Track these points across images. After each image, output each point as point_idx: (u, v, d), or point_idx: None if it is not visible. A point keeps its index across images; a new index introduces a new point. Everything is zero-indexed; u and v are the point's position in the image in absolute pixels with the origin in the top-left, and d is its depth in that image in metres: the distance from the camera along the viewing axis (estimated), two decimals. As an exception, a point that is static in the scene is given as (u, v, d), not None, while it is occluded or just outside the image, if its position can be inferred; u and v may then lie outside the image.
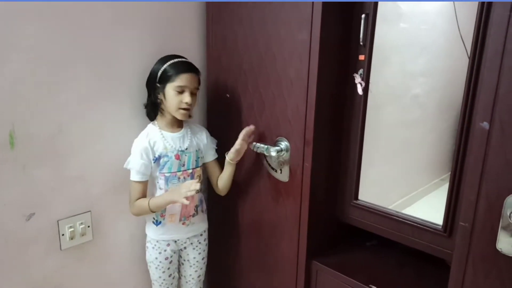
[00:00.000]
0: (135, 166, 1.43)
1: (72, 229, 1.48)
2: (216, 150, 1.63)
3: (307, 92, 1.35)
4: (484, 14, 1.03)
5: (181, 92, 1.41)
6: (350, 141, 1.44)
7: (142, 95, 1.52)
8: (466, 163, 1.12)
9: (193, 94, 1.44)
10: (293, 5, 1.33)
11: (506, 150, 0.97)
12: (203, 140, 1.57)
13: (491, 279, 1.04)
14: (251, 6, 1.47)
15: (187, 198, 1.35)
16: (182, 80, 1.40)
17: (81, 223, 1.50)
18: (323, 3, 1.26)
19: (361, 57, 1.36)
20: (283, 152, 1.46)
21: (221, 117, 1.71)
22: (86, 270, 1.56)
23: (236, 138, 1.52)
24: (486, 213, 1.02)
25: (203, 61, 1.74)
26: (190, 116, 1.50)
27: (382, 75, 1.49)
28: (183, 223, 1.54)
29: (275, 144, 1.48)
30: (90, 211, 1.52)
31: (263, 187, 1.58)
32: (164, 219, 1.52)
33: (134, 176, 1.45)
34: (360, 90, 1.37)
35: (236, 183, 1.65)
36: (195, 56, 1.70)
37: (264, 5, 1.43)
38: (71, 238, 1.48)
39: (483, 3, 1.03)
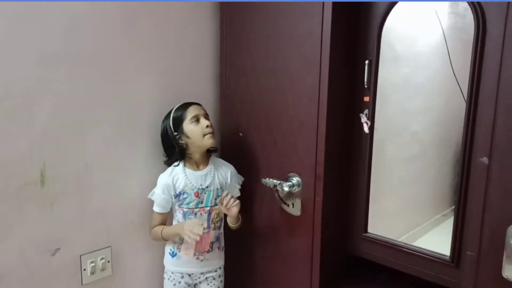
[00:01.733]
0: (157, 199, 1.57)
1: (93, 264, 1.54)
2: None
3: (317, 131, 1.45)
4: (478, 61, 1.15)
5: (197, 120, 1.53)
6: (359, 176, 1.53)
7: (159, 137, 1.62)
8: (469, 195, 1.20)
9: (207, 119, 1.55)
10: (302, 52, 1.46)
11: (505, 182, 1.05)
12: (227, 179, 1.65)
13: (499, 306, 1.09)
14: (263, 55, 1.60)
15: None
16: (192, 111, 1.53)
17: (102, 258, 1.56)
18: (330, 50, 1.38)
19: (366, 99, 1.47)
20: (295, 187, 1.54)
21: (234, 156, 1.80)
22: (105, 305, 1.60)
23: (249, 176, 1.60)
24: (491, 243, 1.09)
25: (217, 102, 1.85)
26: (212, 154, 1.65)
27: (383, 113, 1.59)
28: (197, 258, 1.60)
29: (287, 179, 1.57)
30: (110, 246, 1.59)
31: (276, 221, 1.65)
32: (180, 251, 1.59)
33: (155, 208, 1.58)
34: (366, 129, 1.47)
35: (251, 216, 1.73)
36: (209, 97, 1.82)
37: (276, 52, 1.56)
38: (92, 273, 1.54)
39: (476, 50, 1.16)
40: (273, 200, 1.65)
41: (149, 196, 1.58)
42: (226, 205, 1.52)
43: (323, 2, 1.37)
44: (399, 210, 1.68)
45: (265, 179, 1.60)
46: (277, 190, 1.60)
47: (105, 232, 1.57)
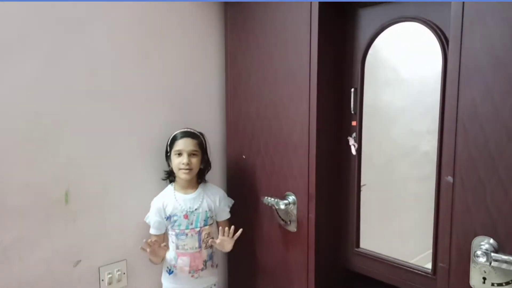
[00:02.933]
0: (152, 221, 1.71)
1: (110, 275, 1.71)
2: (232, 209, 1.85)
3: (309, 153, 1.59)
4: (442, 88, 1.28)
5: (180, 155, 1.66)
6: (349, 195, 1.66)
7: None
8: (440, 211, 1.30)
9: (192, 156, 1.66)
10: (294, 82, 1.62)
11: (467, 199, 1.16)
12: (216, 202, 1.77)
13: (468, 313, 1.18)
14: (261, 86, 1.77)
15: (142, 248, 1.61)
16: (179, 144, 1.66)
17: (118, 270, 1.74)
18: (318, 80, 1.54)
19: (354, 123, 1.61)
20: (290, 205, 1.68)
21: (239, 176, 1.96)
22: (121, 314, 1.77)
23: (251, 196, 1.75)
24: (458, 254, 1.20)
25: (224, 128, 2.03)
26: (203, 178, 1.78)
27: (390, 134, 1.69)
28: (192, 276, 1.71)
29: (283, 198, 1.71)
30: (126, 259, 1.76)
31: (275, 237, 1.79)
32: (176, 269, 1.71)
33: (151, 230, 1.72)
34: (353, 151, 1.60)
35: (253, 232, 1.87)
36: (217, 124, 2.00)
37: (272, 84, 1.72)
38: (109, 284, 1.71)
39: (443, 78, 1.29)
40: (272, 217, 1.79)
41: (145, 219, 1.73)
42: (225, 236, 1.65)
43: (310, 35, 1.54)
44: (412, 230, 1.71)
45: (264, 197, 1.75)
46: (275, 208, 1.74)
47: (122, 246, 1.75)
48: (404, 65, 1.63)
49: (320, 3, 1.50)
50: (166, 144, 1.74)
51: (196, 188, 1.75)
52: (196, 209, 1.70)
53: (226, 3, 1.93)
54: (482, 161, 1.13)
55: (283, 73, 1.67)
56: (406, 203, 1.72)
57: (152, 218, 1.70)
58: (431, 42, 1.38)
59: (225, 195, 1.84)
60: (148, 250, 1.61)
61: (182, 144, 1.66)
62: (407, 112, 1.73)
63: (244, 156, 1.91)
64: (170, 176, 1.78)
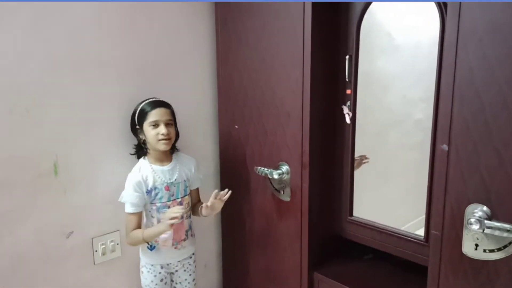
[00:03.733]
0: (130, 199, 1.56)
1: (103, 246, 1.71)
2: (226, 178, 1.82)
3: (302, 122, 1.57)
4: (439, 56, 1.24)
5: (156, 125, 1.57)
6: (343, 164, 1.65)
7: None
8: (434, 179, 1.30)
9: (168, 125, 1.59)
10: (288, 47, 1.57)
11: (461, 166, 1.15)
12: (191, 170, 1.72)
13: (459, 279, 1.20)
14: (254, 53, 1.72)
15: (172, 225, 1.50)
16: (154, 115, 1.56)
17: (111, 241, 1.73)
18: (312, 46, 1.49)
19: (348, 91, 1.58)
20: (284, 175, 1.67)
21: (232, 146, 1.94)
22: (116, 283, 1.78)
23: (245, 166, 1.72)
24: (452, 222, 1.20)
25: (215, 98, 1.99)
26: (175, 148, 1.70)
27: (384, 102, 1.66)
28: (175, 248, 1.68)
29: (277, 167, 1.70)
30: (118, 230, 1.76)
31: (268, 207, 1.79)
32: (158, 244, 1.64)
33: (129, 209, 1.56)
34: (348, 120, 1.58)
35: (246, 203, 1.87)
36: (207, 94, 1.96)
37: (264, 50, 1.67)
38: (103, 254, 1.71)
39: (440, 46, 1.25)
40: (266, 187, 1.78)
41: (119, 200, 1.58)
42: (218, 199, 1.60)
43: (304, 2, 1.48)
44: (404, 197, 1.71)
45: (257, 167, 1.73)
46: (269, 178, 1.73)
47: (114, 217, 1.73)
48: (399, 30, 1.58)
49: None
50: (132, 117, 1.64)
51: (171, 159, 1.68)
52: (175, 179, 1.65)
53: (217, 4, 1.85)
54: (477, 128, 1.11)
55: (276, 39, 1.62)
56: (398, 171, 1.72)
57: (131, 195, 1.56)
58: (428, 6, 1.33)
59: (197, 163, 1.78)
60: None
61: (158, 115, 1.57)
62: (400, 79, 1.71)
63: (236, 126, 1.88)
64: (140, 151, 1.68)
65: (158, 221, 1.61)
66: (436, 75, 1.32)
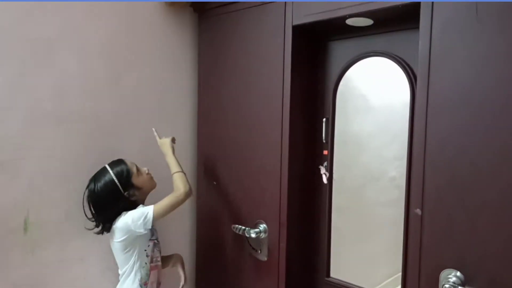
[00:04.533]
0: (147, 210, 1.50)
1: (73, 307, 1.62)
2: (202, 236, 1.77)
3: (280, 181, 1.59)
4: (410, 123, 1.31)
5: (138, 170, 1.58)
6: (320, 223, 1.66)
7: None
8: (409, 243, 1.32)
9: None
10: (268, 107, 1.62)
11: (435, 231, 1.18)
12: None
13: None
14: (234, 109, 1.77)
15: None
16: (132, 165, 1.56)
17: (82, 302, 1.64)
18: (290, 107, 1.55)
19: (325, 152, 1.63)
20: (261, 234, 1.66)
21: (209, 203, 1.92)
22: None
23: (222, 223, 1.71)
24: (427, 286, 1.21)
25: (194, 154, 2.00)
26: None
27: (359, 160, 1.71)
28: None
29: (255, 226, 1.69)
30: (90, 290, 1.67)
31: (245, 265, 1.75)
32: (146, 286, 1.58)
33: (151, 212, 1.49)
34: (325, 180, 1.61)
35: (223, 260, 1.83)
36: (186, 148, 1.97)
37: (246, 107, 1.72)
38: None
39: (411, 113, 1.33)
40: (243, 245, 1.76)
41: (143, 220, 1.49)
42: None
43: (283, 67, 1.55)
44: (382, 254, 1.72)
45: (235, 225, 1.72)
46: (246, 236, 1.71)
47: (84, 277, 1.66)
48: (373, 93, 1.67)
49: (293, 32, 1.52)
50: (106, 187, 1.51)
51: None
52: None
53: (200, 25, 1.93)
54: (450, 195, 1.16)
55: (256, 100, 1.67)
56: (376, 227, 1.74)
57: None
58: (399, 74, 1.42)
59: None
60: None
61: (131, 162, 1.58)
62: (376, 139, 1.78)
63: (215, 182, 1.88)
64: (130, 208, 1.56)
65: (151, 260, 1.59)
66: (407, 143, 1.39)
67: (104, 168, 1.54)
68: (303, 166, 1.63)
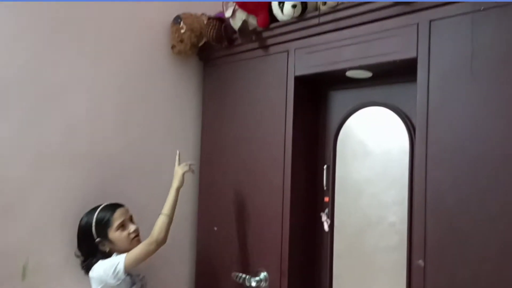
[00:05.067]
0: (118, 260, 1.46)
1: None
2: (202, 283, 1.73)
3: (282, 229, 1.59)
4: (410, 173, 1.33)
5: (123, 226, 1.51)
6: (321, 271, 1.63)
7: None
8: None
9: (132, 221, 1.56)
10: (270, 158, 1.64)
11: (438, 283, 1.17)
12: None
13: None
14: (236, 156, 1.79)
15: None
16: (118, 218, 1.51)
17: None
18: (292, 154, 1.57)
19: (326, 199, 1.64)
20: (262, 282, 1.63)
21: (209, 249, 1.90)
22: None
23: (222, 271, 1.69)
24: None
25: (195, 199, 2.00)
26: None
27: (359, 205, 1.71)
28: None
29: (255, 274, 1.66)
30: None
31: (245, 316, 1.71)
32: None
33: (122, 264, 1.45)
34: (326, 227, 1.61)
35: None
36: (187, 193, 1.97)
37: (246, 151, 1.74)
38: None
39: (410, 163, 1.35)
40: (243, 293, 1.72)
41: (113, 272, 1.44)
42: None
43: (285, 115, 1.59)
44: None
45: (235, 273, 1.69)
46: (246, 285, 1.68)
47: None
48: (371, 140, 1.69)
49: (296, 82, 1.57)
50: (86, 226, 1.51)
51: None
52: (138, 276, 1.57)
53: (205, 72, 1.99)
54: (452, 247, 1.15)
55: (258, 147, 1.70)
56: (376, 275, 1.69)
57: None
58: (398, 122, 1.46)
59: None
60: None
61: (121, 215, 1.53)
62: (374, 184, 1.78)
63: (215, 228, 1.88)
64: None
65: None
66: (407, 194, 1.40)
67: (95, 207, 1.54)
68: (304, 213, 1.64)
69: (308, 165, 1.66)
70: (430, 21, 1.22)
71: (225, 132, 1.85)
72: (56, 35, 1.55)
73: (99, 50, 1.67)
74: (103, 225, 1.50)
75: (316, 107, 1.69)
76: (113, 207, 1.54)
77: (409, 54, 1.27)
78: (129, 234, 1.52)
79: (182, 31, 1.79)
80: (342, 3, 1.40)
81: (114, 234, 1.50)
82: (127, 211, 1.57)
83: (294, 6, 1.49)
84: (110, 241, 1.50)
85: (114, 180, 1.72)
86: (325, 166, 1.64)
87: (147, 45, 1.82)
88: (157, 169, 1.86)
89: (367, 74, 1.48)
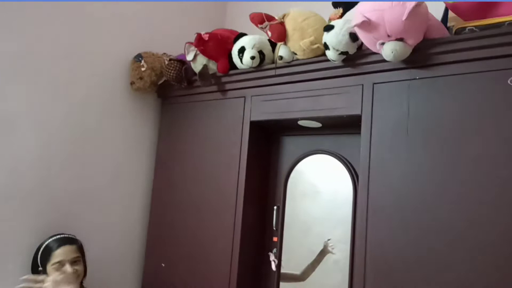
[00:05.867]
0: None
1: None
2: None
3: (230, 268, 1.62)
4: (353, 222, 1.44)
5: (61, 265, 1.46)
6: (268, 311, 1.68)
7: None
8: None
9: (75, 263, 1.49)
10: (222, 197, 1.70)
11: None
12: None
13: None
14: (187, 193, 1.82)
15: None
16: (58, 255, 1.46)
17: None
18: (244, 196, 1.64)
19: (275, 239, 1.71)
20: (209, 322, 1.64)
21: (156, 285, 1.88)
22: None
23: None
24: None
25: (144, 235, 1.99)
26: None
27: (305, 243, 1.77)
28: None
29: (203, 313, 1.67)
30: None
31: None
32: None
33: None
34: (273, 267, 1.67)
35: None
36: (135, 229, 1.96)
37: (199, 194, 1.78)
38: None
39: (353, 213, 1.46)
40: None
41: None
42: None
43: (239, 157, 1.67)
44: None
45: (182, 312, 1.69)
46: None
47: None
48: (320, 181, 1.79)
49: (251, 126, 1.66)
50: (36, 256, 1.51)
51: None
52: None
53: (162, 109, 2.03)
54: (388, 289, 1.26)
55: (211, 187, 1.74)
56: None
57: None
58: (343, 169, 1.59)
59: None
60: None
61: (63, 254, 1.48)
62: (321, 223, 1.87)
63: (163, 265, 1.87)
64: None
65: None
66: (350, 240, 1.50)
67: (53, 235, 1.54)
68: (253, 252, 1.69)
69: (259, 206, 1.73)
70: (374, 84, 1.38)
71: (179, 170, 1.88)
72: (9, 66, 1.52)
73: (55, 83, 1.65)
74: (45, 257, 1.48)
75: (269, 150, 1.79)
76: (62, 242, 1.51)
77: (354, 111, 1.41)
78: (66, 273, 1.45)
79: (143, 69, 1.83)
80: (297, 59, 1.53)
81: (50, 269, 1.46)
82: (74, 251, 1.52)
83: (252, 58, 1.60)
84: (48, 275, 1.46)
85: (58, 216, 1.66)
86: (275, 207, 1.71)
87: (105, 80, 1.83)
88: (108, 202, 1.84)
89: (317, 124, 1.61)
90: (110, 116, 1.86)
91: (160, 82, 1.92)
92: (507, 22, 1.14)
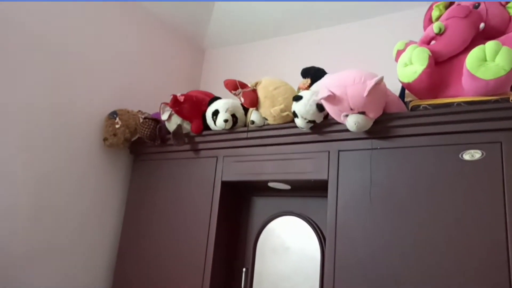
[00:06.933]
0: None
1: None
2: None
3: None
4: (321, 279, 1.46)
5: None
6: None
7: None
8: None
9: None
10: (191, 257, 1.69)
11: None
12: None
13: None
14: (158, 252, 1.80)
15: None
16: None
17: None
18: (213, 258, 1.63)
19: (243, 301, 1.69)
20: None
21: None
22: None
23: None
24: None
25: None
26: None
27: None
28: None
29: None
30: None
31: None
32: None
33: None
34: (241, 331, 1.64)
35: None
36: (104, 274, 1.90)
37: (167, 253, 1.76)
38: None
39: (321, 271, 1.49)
40: None
41: None
42: None
43: (209, 219, 1.68)
44: None
45: None
46: None
47: None
48: (289, 239, 1.82)
49: (222, 186, 1.69)
50: None
51: None
52: None
53: (134, 165, 2.03)
54: None
55: (179, 247, 1.73)
56: None
57: None
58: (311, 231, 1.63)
59: None
60: None
61: None
62: (290, 279, 1.87)
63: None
64: None
65: None
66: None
67: None
68: (220, 315, 1.66)
69: (228, 268, 1.72)
70: (339, 151, 1.46)
71: (147, 227, 1.86)
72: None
73: (28, 134, 1.65)
74: None
75: (240, 210, 1.82)
76: None
77: (321, 176, 1.47)
78: None
79: (117, 126, 1.85)
80: (268, 124, 1.61)
81: None
82: None
83: (226, 121, 1.67)
84: None
85: (18, 273, 1.61)
86: (244, 269, 1.71)
87: (78, 135, 1.84)
88: (67, 262, 1.79)
89: (286, 186, 1.66)
90: (81, 170, 1.85)
91: (134, 139, 1.95)
92: (455, 103, 1.26)
